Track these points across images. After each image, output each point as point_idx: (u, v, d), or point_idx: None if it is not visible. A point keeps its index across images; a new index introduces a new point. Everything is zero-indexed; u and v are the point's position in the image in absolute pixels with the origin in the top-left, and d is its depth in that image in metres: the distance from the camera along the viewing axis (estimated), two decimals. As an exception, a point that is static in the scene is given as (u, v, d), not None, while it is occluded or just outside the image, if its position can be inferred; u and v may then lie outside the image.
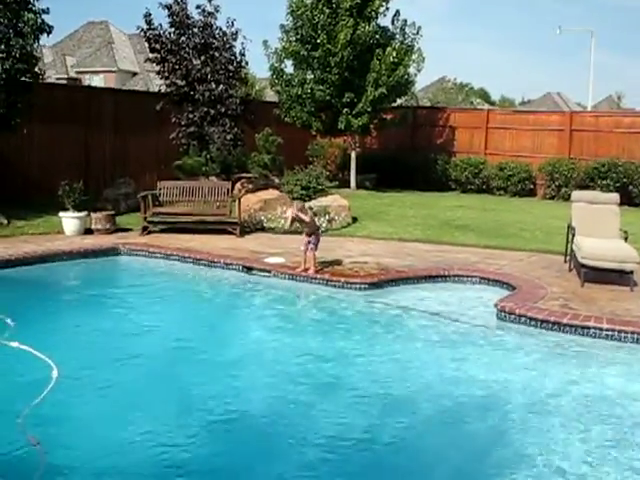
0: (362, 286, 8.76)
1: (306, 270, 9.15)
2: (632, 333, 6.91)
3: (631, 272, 8.57)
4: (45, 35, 12.74)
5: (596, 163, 18.41)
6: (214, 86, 15.24)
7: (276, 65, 19.11)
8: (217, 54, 15.46)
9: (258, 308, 8.67)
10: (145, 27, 15.26)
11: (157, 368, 6.38)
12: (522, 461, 4.66)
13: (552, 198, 19.22)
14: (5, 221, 11.92)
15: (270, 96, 25.85)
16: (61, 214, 11.58)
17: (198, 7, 15.48)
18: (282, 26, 19.07)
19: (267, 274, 9.41)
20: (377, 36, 18.64)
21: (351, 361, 6.62)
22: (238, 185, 15.07)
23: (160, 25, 15.36)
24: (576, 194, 10.25)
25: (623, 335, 6.93)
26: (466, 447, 5.00)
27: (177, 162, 15.46)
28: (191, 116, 15.28)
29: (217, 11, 15.56)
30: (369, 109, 18.45)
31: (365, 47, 18.28)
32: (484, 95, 59.03)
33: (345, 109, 18.54)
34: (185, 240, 11.23)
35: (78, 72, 48.58)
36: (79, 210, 11.58)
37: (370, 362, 6.57)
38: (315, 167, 16.41)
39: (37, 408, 4.77)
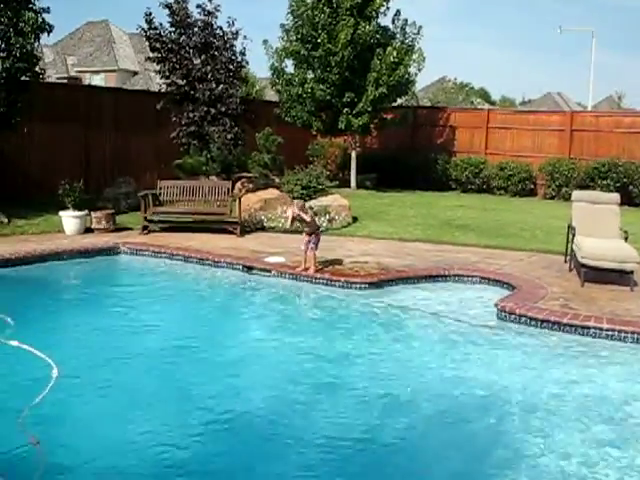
0: (362, 286, 8.76)
1: (306, 270, 9.15)
2: (632, 333, 6.91)
3: (631, 272, 8.57)
4: (45, 34, 12.74)
5: (596, 163, 18.41)
6: (214, 85, 15.26)
7: (276, 65, 19.11)
8: (217, 53, 15.48)
9: (258, 308, 8.66)
10: (146, 26, 15.28)
11: (157, 367, 6.38)
12: (522, 461, 4.66)
13: (552, 198, 19.22)
14: (5, 220, 11.92)
15: (270, 96, 25.86)
16: (61, 213, 11.58)
17: (198, 6, 15.51)
18: (282, 25, 19.08)
19: (267, 274, 9.41)
20: (377, 36, 18.62)
21: (351, 361, 6.61)
22: (238, 184, 15.06)
23: (161, 24, 15.40)
24: (576, 194, 10.24)
25: (623, 335, 6.94)
26: (466, 447, 5.00)
27: (177, 161, 15.47)
28: (191, 115, 15.29)
29: (217, 10, 15.59)
30: (369, 109, 18.44)
31: (365, 47, 18.27)
32: (484, 95, 58.98)
33: (345, 109, 18.54)
34: (185, 239, 11.23)
35: (78, 71, 48.54)
36: (79, 209, 11.58)
37: (370, 362, 6.57)
38: (315, 167, 16.40)
39: (37, 407, 4.78)
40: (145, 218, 11.96)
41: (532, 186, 19.93)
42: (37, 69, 12.96)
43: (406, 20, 19.19)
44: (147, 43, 15.82)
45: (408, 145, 21.58)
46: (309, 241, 9.18)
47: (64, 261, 9.91)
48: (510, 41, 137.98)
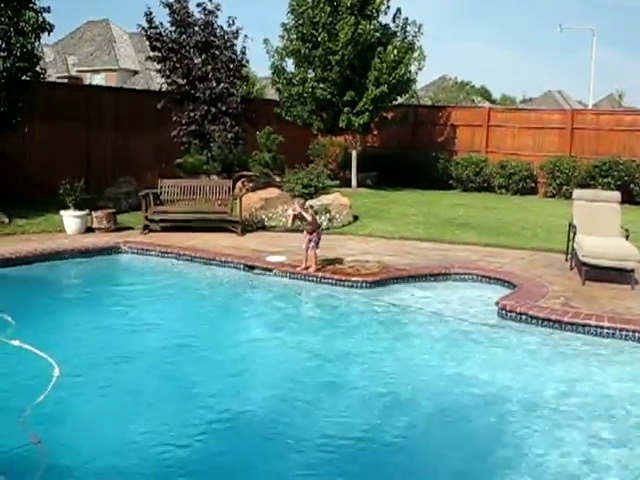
0: (363, 284, 8.76)
1: (307, 268, 9.16)
2: (633, 331, 6.91)
3: (632, 270, 8.57)
4: (46, 34, 12.74)
5: (597, 161, 18.40)
6: (215, 84, 15.27)
7: (277, 63, 19.10)
8: (218, 52, 15.48)
9: (259, 306, 8.67)
10: (146, 25, 15.28)
11: (158, 367, 6.39)
12: (522, 460, 4.66)
13: (553, 196, 19.20)
14: (6, 220, 11.93)
15: (271, 95, 25.85)
16: (62, 213, 11.59)
17: (199, 5, 15.52)
18: (283, 24, 19.07)
19: (268, 272, 9.42)
20: (378, 34, 18.61)
21: (351, 359, 6.62)
22: (239, 184, 15.08)
23: (161, 23, 15.41)
24: (577, 192, 10.24)
25: (624, 333, 6.94)
26: (466, 446, 5.00)
27: (178, 160, 15.47)
28: (192, 114, 15.30)
29: (218, 9, 15.59)
30: (370, 107, 18.42)
31: (366, 45, 18.24)
32: (485, 93, 58.93)
33: (346, 108, 18.53)
34: (186, 239, 11.23)
35: (79, 71, 48.54)
36: (80, 209, 11.59)
37: (371, 360, 6.58)
38: (316, 166, 16.40)
39: (38, 407, 4.78)
40: (146, 217, 11.96)
41: (533, 184, 19.91)
42: (38, 69, 12.97)
43: (406, 18, 19.17)
44: (147, 42, 15.83)
45: (409, 144, 21.57)
46: (310, 240, 9.18)
47: (65, 261, 9.92)
48: (510, 39, 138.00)
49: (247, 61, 16.11)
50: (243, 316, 8.37)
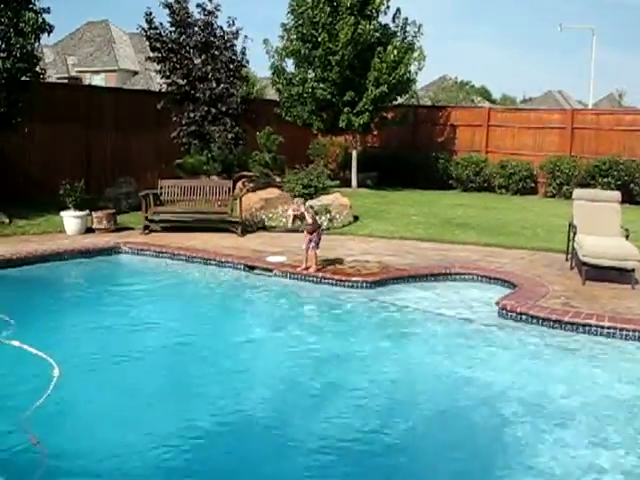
0: (363, 284, 8.76)
1: (307, 269, 9.16)
2: (633, 331, 6.91)
3: (632, 270, 8.57)
4: (46, 34, 12.75)
5: (597, 161, 18.39)
6: (215, 85, 15.26)
7: (277, 64, 19.10)
8: (218, 53, 15.47)
9: (259, 307, 8.68)
10: (146, 26, 15.28)
11: (158, 367, 6.39)
12: (523, 460, 4.65)
13: (553, 196, 19.20)
14: (7, 220, 11.93)
15: (271, 95, 25.85)
16: (62, 213, 11.59)
17: (199, 6, 15.51)
18: (283, 25, 19.07)
19: (269, 273, 9.42)
20: (378, 34, 18.61)
21: (351, 359, 6.61)
22: (239, 184, 15.07)
23: (161, 24, 15.39)
24: (577, 192, 10.24)
25: (625, 333, 6.94)
26: (467, 446, 5.00)
27: (178, 161, 15.48)
28: (192, 115, 15.29)
29: (218, 10, 15.59)
30: (370, 108, 18.42)
31: (366, 45, 18.24)
32: (485, 93, 58.93)
33: (346, 108, 18.53)
34: (186, 239, 11.23)
35: (79, 71, 48.56)
36: (80, 209, 11.59)
37: (371, 360, 6.58)
38: (316, 166, 16.40)
39: (38, 407, 4.78)
40: (146, 218, 11.96)
41: (533, 184, 19.91)
42: (37, 69, 12.98)
43: (406, 19, 19.18)
44: (147, 43, 15.83)
45: (409, 144, 21.57)
46: (310, 240, 9.18)
47: (65, 261, 9.93)
48: (510, 39, 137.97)
49: (247, 61, 16.12)
50: (243, 316, 8.37)
